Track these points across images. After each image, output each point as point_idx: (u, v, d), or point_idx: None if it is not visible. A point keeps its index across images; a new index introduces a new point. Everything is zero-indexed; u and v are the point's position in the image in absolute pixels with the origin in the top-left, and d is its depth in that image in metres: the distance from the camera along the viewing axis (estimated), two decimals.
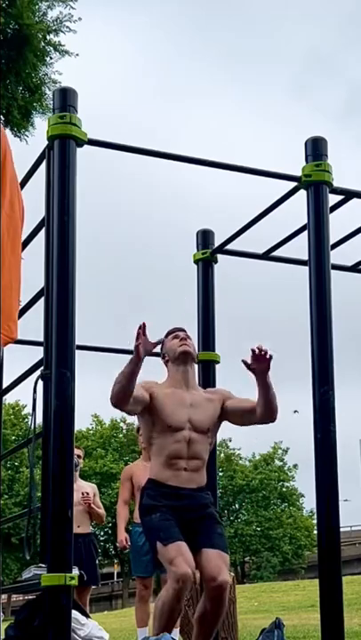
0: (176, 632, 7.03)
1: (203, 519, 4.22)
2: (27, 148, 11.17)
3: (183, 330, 4.52)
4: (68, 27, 11.44)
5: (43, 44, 11.32)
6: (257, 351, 3.99)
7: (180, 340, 4.41)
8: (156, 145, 4.28)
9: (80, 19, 11.47)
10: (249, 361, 4.02)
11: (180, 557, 3.92)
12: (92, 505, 7.61)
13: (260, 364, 4.02)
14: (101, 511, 7.78)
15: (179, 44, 61.91)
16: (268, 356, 4.00)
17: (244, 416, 4.34)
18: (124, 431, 41.15)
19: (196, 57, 61.84)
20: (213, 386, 4.95)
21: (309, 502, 45.07)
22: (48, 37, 11.44)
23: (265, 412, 4.20)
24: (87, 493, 7.66)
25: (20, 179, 4.41)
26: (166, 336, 4.49)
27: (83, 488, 7.74)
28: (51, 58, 11.54)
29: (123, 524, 7.35)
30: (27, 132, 11.65)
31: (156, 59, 60.28)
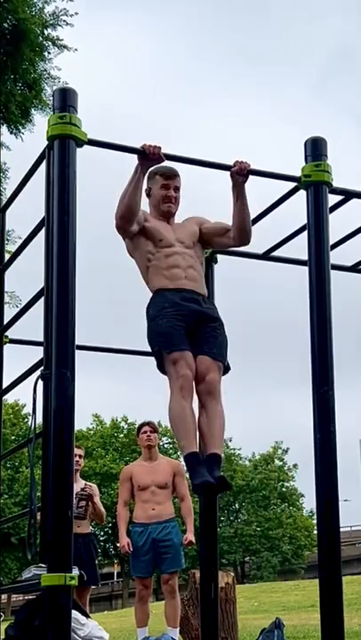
0: (176, 632, 7.04)
1: (206, 328, 4.41)
2: (27, 145, 11.17)
3: (175, 176, 4.63)
4: (65, 21, 11.42)
5: (40, 38, 11.31)
6: (238, 169, 4.32)
7: (167, 197, 4.58)
8: (156, 144, 4.26)
9: (77, 13, 11.45)
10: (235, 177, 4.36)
11: (182, 361, 4.23)
12: (95, 500, 7.60)
13: (240, 171, 4.34)
14: (102, 510, 7.79)
15: (179, 45, 61.95)
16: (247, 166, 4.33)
17: (218, 237, 4.64)
18: (125, 431, 41.18)
19: (197, 57, 61.86)
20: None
21: (309, 502, 45.13)
22: (46, 32, 11.42)
23: (240, 231, 4.52)
24: (89, 486, 7.64)
25: (20, 178, 4.42)
26: (158, 173, 4.60)
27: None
28: (49, 53, 11.54)
29: (124, 527, 7.35)
30: (25, 130, 11.63)
31: (159, 59, 60.34)
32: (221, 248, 4.83)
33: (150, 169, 4.46)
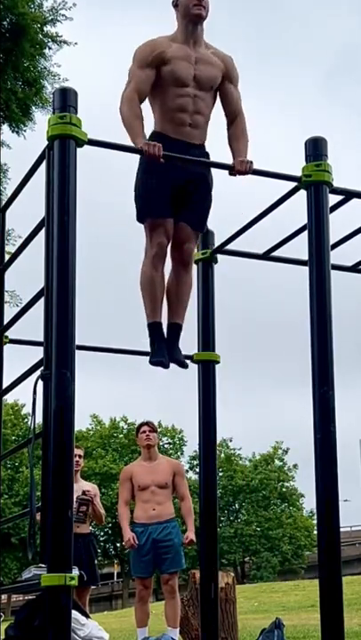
0: (176, 632, 7.04)
1: (194, 191, 4.42)
2: (27, 144, 11.16)
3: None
4: (64, 15, 11.39)
5: (40, 35, 11.29)
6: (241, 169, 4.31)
7: (197, 1, 4.39)
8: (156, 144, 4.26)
9: (75, 4, 11.40)
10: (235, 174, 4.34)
11: (160, 228, 4.30)
12: (95, 502, 7.60)
13: (242, 174, 4.35)
14: (102, 511, 7.78)
15: None
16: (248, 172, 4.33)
17: (226, 110, 4.60)
18: (124, 431, 41.19)
19: None
20: (214, 389, 4.94)
21: (309, 502, 45.12)
22: (45, 29, 11.41)
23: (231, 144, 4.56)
24: (89, 491, 7.64)
25: (20, 178, 4.42)
26: None
27: (83, 488, 7.73)
28: (50, 49, 11.52)
29: (127, 524, 7.34)
30: (26, 128, 11.61)
31: None
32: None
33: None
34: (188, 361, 4.68)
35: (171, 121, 4.40)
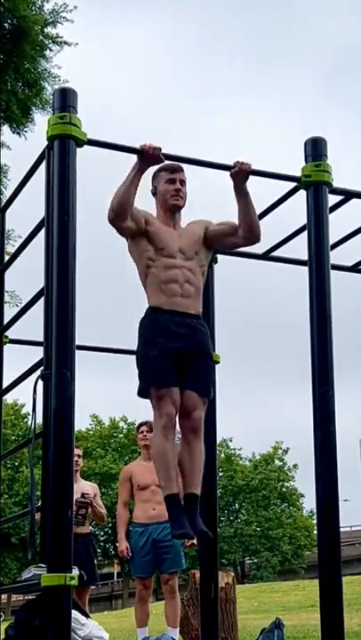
0: (176, 632, 7.03)
1: (196, 360, 4.40)
2: (27, 145, 11.16)
3: (180, 170, 4.55)
4: (64, 17, 11.40)
5: (41, 37, 11.29)
6: (238, 170, 4.32)
7: (174, 190, 4.51)
8: (156, 144, 4.27)
9: (75, 7, 11.41)
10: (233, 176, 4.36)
11: (167, 398, 4.26)
12: (94, 503, 7.60)
13: (240, 172, 4.34)
14: (103, 510, 7.78)
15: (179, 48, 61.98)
16: (247, 168, 4.33)
17: (226, 238, 4.57)
18: (124, 431, 41.18)
19: (197, 58, 61.87)
20: (214, 388, 4.95)
21: (309, 502, 45.11)
22: (46, 30, 11.41)
23: (247, 228, 4.45)
24: (88, 494, 7.64)
25: (20, 178, 4.42)
26: (162, 170, 4.54)
27: (83, 488, 7.73)
28: (50, 50, 11.52)
29: (124, 529, 7.35)
30: (27, 129, 11.62)
31: (161, 58, 60.38)
32: (232, 248, 4.74)
33: (154, 169, 4.46)
34: None
35: (163, 293, 4.40)
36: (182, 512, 4.25)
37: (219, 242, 4.61)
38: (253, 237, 4.51)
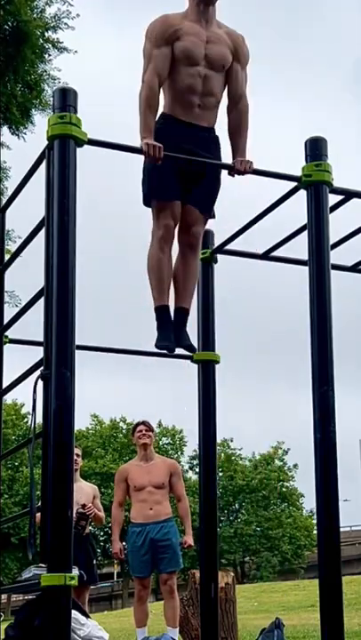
0: (175, 632, 7.04)
1: (202, 176, 4.35)
2: (27, 146, 11.17)
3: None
4: (66, 23, 11.43)
5: (41, 40, 11.32)
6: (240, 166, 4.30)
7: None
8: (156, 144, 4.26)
9: (78, 15, 11.45)
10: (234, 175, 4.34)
11: (167, 210, 4.27)
12: (95, 509, 7.57)
13: (242, 174, 4.34)
14: (101, 514, 7.73)
15: None
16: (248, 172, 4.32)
17: (228, 94, 4.51)
18: (124, 431, 41.17)
19: None
20: (214, 388, 4.94)
21: (309, 502, 45.12)
22: (47, 34, 11.43)
23: (231, 114, 4.50)
24: (89, 506, 7.48)
25: (20, 178, 4.42)
26: None
27: (83, 489, 7.71)
28: (49, 55, 11.54)
29: (118, 531, 7.33)
30: (26, 130, 11.64)
31: None
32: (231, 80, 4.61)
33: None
34: (194, 345, 4.63)
35: (180, 102, 4.34)
36: (170, 325, 4.31)
37: (230, 88, 4.52)
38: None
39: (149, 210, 4.51)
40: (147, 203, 4.40)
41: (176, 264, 4.46)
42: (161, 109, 4.45)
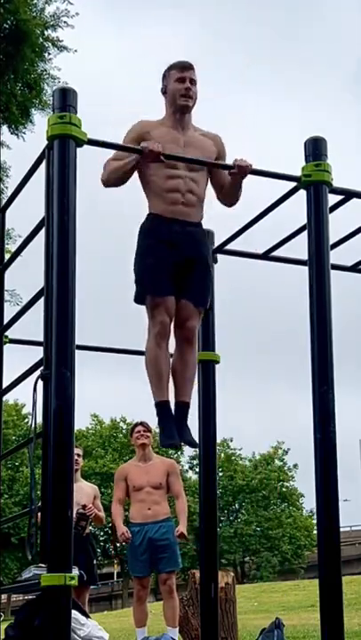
0: (175, 632, 7.03)
1: (194, 269, 4.40)
2: (27, 145, 11.17)
3: (190, 68, 4.48)
4: (65, 22, 11.42)
5: (41, 39, 11.30)
6: (241, 164, 4.30)
7: (184, 89, 4.44)
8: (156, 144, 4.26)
9: (77, 14, 11.44)
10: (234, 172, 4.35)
11: (162, 306, 4.28)
12: (95, 510, 7.57)
13: (241, 171, 4.33)
14: (101, 514, 7.73)
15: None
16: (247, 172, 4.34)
17: (216, 185, 4.56)
18: (124, 431, 41.16)
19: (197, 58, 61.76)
20: (214, 388, 4.95)
21: (309, 502, 45.11)
22: (46, 33, 11.42)
23: (227, 199, 4.55)
24: (90, 507, 7.49)
25: (20, 178, 4.42)
26: (172, 68, 4.49)
27: (83, 489, 7.71)
28: (49, 54, 11.53)
29: (120, 520, 7.34)
30: (26, 129, 11.63)
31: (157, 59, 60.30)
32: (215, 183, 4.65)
33: (165, 69, 4.48)
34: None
35: (164, 201, 4.38)
36: (172, 421, 4.29)
37: (211, 178, 4.57)
38: (228, 205, 4.61)
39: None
40: (139, 300, 4.40)
41: (174, 359, 4.45)
42: (146, 210, 4.50)
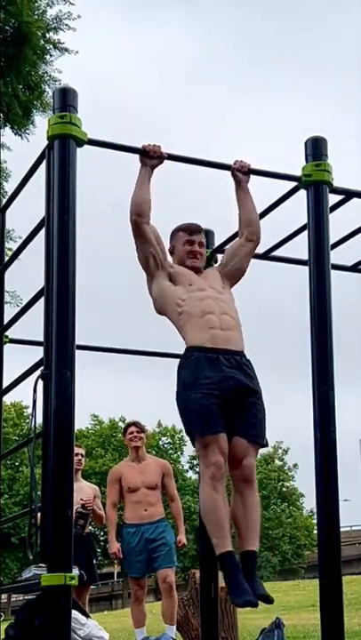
0: (173, 629, 7.03)
1: (244, 401, 4.08)
2: (27, 146, 11.18)
3: (198, 232, 4.49)
4: (67, 24, 11.45)
5: (42, 41, 11.32)
6: (239, 166, 4.35)
7: (191, 252, 4.43)
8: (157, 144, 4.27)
9: (79, 16, 11.47)
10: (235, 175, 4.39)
11: (214, 445, 3.94)
12: (95, 507, 7.59)
13: (240, 170, 4.37)
14: (102, 513, 7.76)
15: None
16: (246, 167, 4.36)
17: (237, 251, 4.51)
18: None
19: (198, 60, 61.86)
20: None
21: (309, 502, 45.12)
22: (48, 35, 11.44)
23: (246, 225, 4.47)
24: (88, 499, 7.56)
25: (20, 178, 4.42)
26: (180, 230, 4.49)
27: (83, 489, 7.71)
28: (51, 55, 11.55)
29: (114, 531, 7.35)
30: (28, 130, 11.65)
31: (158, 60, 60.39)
32: (248, 257, 4.56)
33: (173, 228, 4.46)
34: None
35: (200, 329, 4.15)
36: (240, 574, 3.87)
37: (235, 263, 4.49)
38: (254, 235, 4.49)
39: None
40: (190, 436, 4.07)
41: (234, 503, 4.08)
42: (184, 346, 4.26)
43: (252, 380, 4.18)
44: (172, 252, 4.51)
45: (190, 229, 4.49)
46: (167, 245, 4.51)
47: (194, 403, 3.99)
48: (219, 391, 4.00)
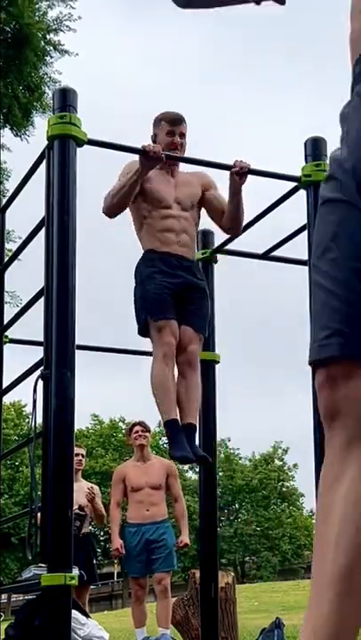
0: (167, 632, 7.02)
1: (192, 296, 4.48)
2: (27, 147, 11.18)
3: (180, 123, 4.59)
4: (67, 26, 11.47)
5: (43, 43, 11.34)
6: (238, 167, 4.37)
7: (172, 143, 4.53)
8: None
9: (80, 17, 11.49)
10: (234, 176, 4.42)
11: (167, 329, 4.35)
12: (96, 501, 7.60)
13: (240, 173, 4.40)
14: (103, 512, 7.76)
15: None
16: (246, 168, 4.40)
17: (213, 214, 4.68)
18: (124, 431, 41.23)
19: (196, 61, 61.89)
20: (214, 388, 4.96)
21: (309, 502, 45.14)
22: (48, 37, 11.46)
23: (230, 224, 4.63)
24: (91, 488, 7.64)
25: (20, 178, 4.42)
26: (163, 119, 4.60)
27: (83, 489, 7.71)
28: (51, 57, 11.57)
29: (117, 529, 7.33)
30: (27, 132, 11.67)
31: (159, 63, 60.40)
32: (210, 208, 4.75)
33: (156, 115, 4.57)
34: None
35: (158, 240, 4.48)
36: (183, 436, 4.30)
37: (207, 210, 4.70)
38: (233, 233, 4.73)
39: None
40: (144, 330, 4.46)
41: (178, 384, 4.47)
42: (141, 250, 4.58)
43: (200, 280, 4.56)
44: (154, 141, 4.60)
45: (172, 120, 4.58)
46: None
47: (149, 293, 4.39)
48: (171, 285, 4.40)
